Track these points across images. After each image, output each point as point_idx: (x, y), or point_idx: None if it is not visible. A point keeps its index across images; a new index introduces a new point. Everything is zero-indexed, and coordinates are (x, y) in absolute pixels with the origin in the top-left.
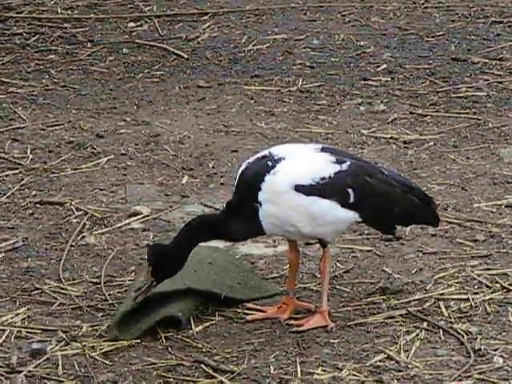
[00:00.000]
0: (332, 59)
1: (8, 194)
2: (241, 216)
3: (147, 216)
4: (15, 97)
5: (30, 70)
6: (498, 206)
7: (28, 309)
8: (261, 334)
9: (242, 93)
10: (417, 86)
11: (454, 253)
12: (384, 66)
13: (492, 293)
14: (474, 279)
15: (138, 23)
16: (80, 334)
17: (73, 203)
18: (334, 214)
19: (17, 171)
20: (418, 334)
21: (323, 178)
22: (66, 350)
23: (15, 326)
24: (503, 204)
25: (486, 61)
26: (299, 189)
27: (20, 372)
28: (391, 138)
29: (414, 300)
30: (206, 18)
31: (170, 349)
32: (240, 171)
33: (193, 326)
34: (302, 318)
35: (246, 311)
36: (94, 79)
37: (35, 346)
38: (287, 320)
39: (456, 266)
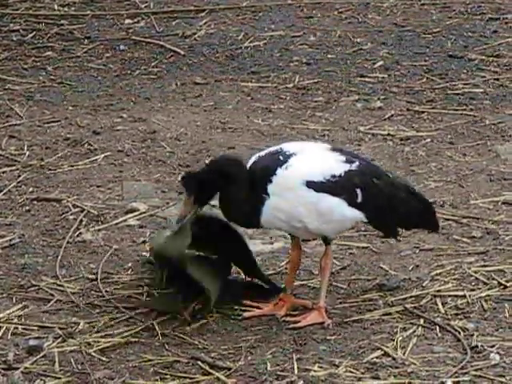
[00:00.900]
0: (329, 56)
1: (5, 191)
2: (245, 203)
3: (144, 213)
4: (12, 93)
5: (27, 66)
6: (494, 202)
7: (25, 305)
8: (257, 330)
9: (238, 89)
10: (413, 82)
11: (450, 249)
12: (381, 62)
13: (489, 289)
14: (471, 276)
15: (135, 20)
16: (77, 330)
17: (69, 200)
18: (341, 212)
19: (13, 168)
20: (414, 331)
21: (334, 176)
22: (62, 346)
23: (12, 323)
24: (500, 201)
25: (483, 57)
26: (310, 185)
27: (17, 369)
28: (388, 134)
29: (411, 297)
30: (202, 14)
31: (166, 345)
32: (250, 164)
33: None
34: (298, 314)
35: (242, 308)
36: (91, 76)
37: (32, 342)
38: (284, 317)
39: (453, 263)
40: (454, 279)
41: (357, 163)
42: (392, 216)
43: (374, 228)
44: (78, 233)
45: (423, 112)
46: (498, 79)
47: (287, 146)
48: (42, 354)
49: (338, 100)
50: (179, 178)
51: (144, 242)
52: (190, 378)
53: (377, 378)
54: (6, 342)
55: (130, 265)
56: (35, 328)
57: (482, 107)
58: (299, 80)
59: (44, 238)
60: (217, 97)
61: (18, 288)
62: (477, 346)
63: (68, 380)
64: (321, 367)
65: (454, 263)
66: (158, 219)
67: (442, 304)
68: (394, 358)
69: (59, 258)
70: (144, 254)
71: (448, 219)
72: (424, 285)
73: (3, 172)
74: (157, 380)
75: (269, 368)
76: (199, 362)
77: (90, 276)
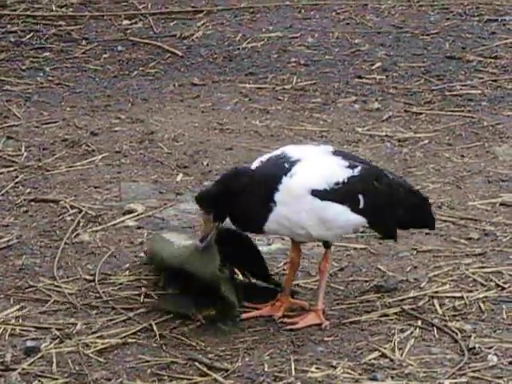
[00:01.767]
0: (327, 57)
1: (2, 192)
2: (255, 211)
3: (141, 214)
4: (10, 94)
5: (25, 67)
6: (492, 204)
7: (22, 306)
8: (255, 331)
9: (236, 91)
10: (411, 84)
11: (448, 251)
12: (378, 64)
13: (486, 291)
14: (469, 277)
15: (133, 21)
16: (74, 331)
17: (67, 201)
18: (344, 218)
19: (11, 169)
20: (412, 332)
21: (337, 183)
22: (60, 347)
23: (9, 324)
24: (498, 202)
25: (481, 59)
26: (315, 193)
27: (14, 370)
28: (386, 136)
29: (409, 298)
30: (200, 15)
31: (164, 346)
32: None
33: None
34: (296, 315)
35: (240, 309)
36: (89, 77)
37: (29, 343)
38: (281, 318)
39: (450, 264)
40: (452, 280)
41: (359, 168)
42: (392, 218)
43: (374, 231)
44: (75, 234)
45: (421, 113)
46: (495, 81)
47: (289, 151)
48: (39, 355)
49: (335, 101)
50: (194, 198)
51: (142, 242)
52: (188, 379)
53: (374, 379)
54: (4, 343)
55: (127, 266)
56: (33, 329)
57: (480, 109)
58: (297, 81)
59: (42, 239)
60: (214, 98)
61: (15, 289)
62: (474, 348)
63: (65, 381)
64: (318, 368)
65: (452, 264)
66: (156, 220)
67: (440, 305)
68: (391, 360)
69: (57, 258)
70: (142, 255)
71: (446, 220)
72: (422, 286)
73: (1, 173)
74: (154, 381)
75: (266, 369)
76: (197, 363)
77: (88, 277)
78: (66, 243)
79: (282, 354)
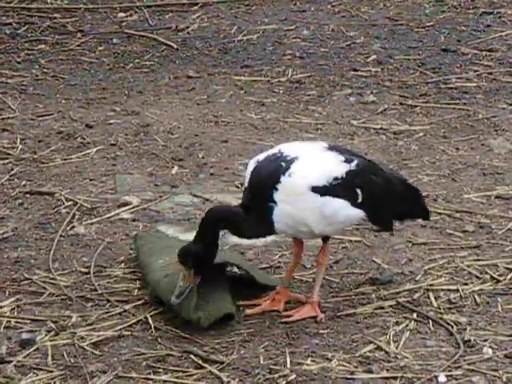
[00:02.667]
0: (322, 50)
1: None
2: (254, 215)
3: (137, 206)
4: (5, 87)
5: (20, 60)
6: (487, 196)
7: (17, 299)
8: (250, 324)
9: (231, 83)
10: (407, 76)
11: (443, 243)
12: (374, 56)
13: (481, 284)
14: (464, 270)
15: (128, 13)
16: (69, 323)
17: (62, 193)
18: (345, 213)
19: (6, 161)
20: (407, 325)
21: (336, 179)
22: (55, 339)
23: (4, 316)
24: (493, 195)
25: (476, 52)
26: (315, 190)
27: (9, 362)
28: (381, 128)
29: (404, 291)
30: (195, 8)
31: (159, 339)
32: (251, 170)
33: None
34: (292, 308)
35: (239, 302)
36: (84, 69)
37: (25, 335)
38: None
39: (446, 257)
40: (447, 273)
41: (355, 162)
42: (389, 211)
43: (371, 224)
44: (70, 226)
45: (416, 106)
46: (491, 73)
47: (285, 149)
48: (34, 348)
49: (331, 94)
50: (177, 255)
51: (137, 235)
52: (183, 372)
53: (369, 371)
54: None
55: (122, 258)
56: (28, 321)
57: (475, 101)
58: (292, 74)
59: (37, 232)
60: (210, 90)
61: (10, 281)
62: (469, 340)
63: (61, 373)
64: (313, 361)
65: (447, 257)
66: (151, 213)
67: (435, 298)
68: (386, 352)
69: (52, 251)
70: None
71: (441, 213)
72: (417, 279)
73: None
74: (149, 373)
75: (261, 362)
76: (192, 356)
77: (83, 269)
78: (61, 236)
79: (277, 347)
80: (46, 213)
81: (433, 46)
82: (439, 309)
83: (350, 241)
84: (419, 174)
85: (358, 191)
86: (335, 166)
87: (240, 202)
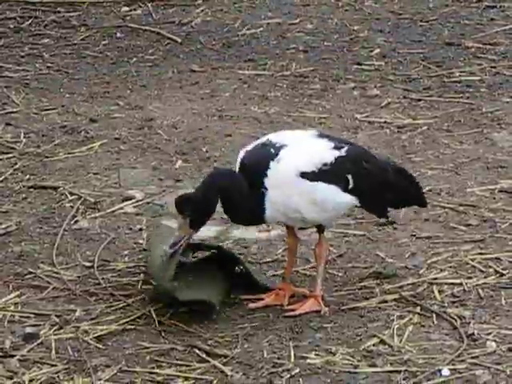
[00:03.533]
0: (325, 43)
1: (1, 179)
2: (246, 202)
3: (141, 200)
4: (9, 81)
5: (24, 54)
6: (491, 190)
7: (21, 293)
8: (254, 318)
9: (235, 77)
10: (410, 70)
11: (447, 237)
12: (377, 50)
13: (485, 277)
14: (467, 264)
15: (132, 7)
16: (73, 318)
17: (66, 187)
18: (335, 199)
19: (10, 155)
20: (411, 319)
21: (325, 164)
22: (59, 334)
23: (8, 310)
24: (496, 188)
25: (480, 45)
26: (304, 175)
27: (13, 356)
28: (385, 122)
29: (408, 284)
30: (199, 2)
31: (163, 333)
32: (240, 159)
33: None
34: (295, 302)
35: (242, 296)
36: (88, 63)
37: (28, 330)
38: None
39: (449, 251)
40: (451, 267)
41: (345, 148)
42: (382, 197)
43: (365, 210)
44: (74, 220)
45: (420, 100)
46: (494, 67)
47: (274, 137)
48: (38, 342)
49: (334, 88)
50: (174, 201)
51: (141, 229)
52: (187, 366)
53: (373, 365)
54: (3, 330)
55: (126, 252)
56: (32, 315)
57: (479, 95)
58: (296, 68)
59: (40, 226)
60: (213, 84)
61: (14, 275)
62: (473, 334)
63: (64, 367)
64: (317, 355)
65: (451, 251)
66: (155, 207)
67: (439, 292)
68: (390, 346)
69: (56, 245)
70: (141, 241)
71: (444, 207)
72: (420, 272)
73: (0, 159)
74: (153, 367)
75: (265, 356)
76: (196, 350)
77: (87, 263)
78: (65, 230)
79: (281, 341)
80: (49, 207)
81: (436, 40)
82: (443, 302)
83: (354, 235)
84: (423, 168)
85: (349, 177)
86: (324, 152)
87: None
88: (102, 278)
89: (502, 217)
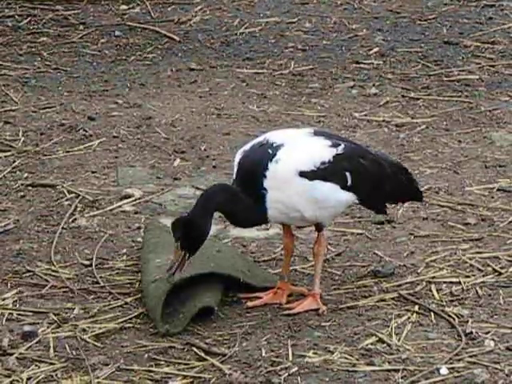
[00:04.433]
0: (324, 42)
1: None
2: (246, 203)
3: (139, 199)
4: (7, 79)
5: (22, 52)
6: (489, 189)
7: (19, 291)
8: (252, 316)
9: (234, 76)
10: (409, 69)
11: (445, 236)
12: (376, 49)
13: (483, 276)
14: (466, 262)
15: (130, 6)
16: (71, 316)
17: (64, 186)
18: (335, 197)
19: (8, 153)
20: (409, 317)
21: (323, 163)
22: (57, 332)
23: (6, 309)
24: (495, 187)
25: (478, 44)
26: (303, 174)
27: (11, 354)
28: (383, 121)
29: (406, 283)
30: (198, 0)
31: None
32: (238, 160)
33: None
34: (294, 301)
35: (240, 295)
36: (86, 62)
37: (26, 328)
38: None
39: (447, 250)
40: (449, 266)
41: (342, 146)
42: (379, 193)
43: (364, 207)
44: (72, 218)
45: (418, 99)
46: (493, 66)
47: (271, 137)
48: (36, 340)
49: (333, 86)
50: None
51: (139, 227)
52: (185, 364)
53: (371, 364)
54: (1, 328)
55: (124, 251)
56: (30, 314)
57: (478, 94)
58: (294, 66)
59: (39, 224)
60: (212, 83)
61: (12, 274)
62: (471, 333)
63: (62, 365)
64: (315, 353)
65: (449, 250)
66: (153, 205)
67: (437, 290)
68: (388, 345)
69: (54, 243)
70: (139, 240)
71: (443, 206)
72: (419, 271)
73: None
74: (151, 366)
75: (263, 354)
76: (194, 348)
77: (85, 262)
78: (63, 228)
79: (279, 339)
80: (47, 205)
81: (435, 39)
82: (441, 301)
83: (352, 233)
84: (421, 167)
85: (347, 174)
86: (322, 151)
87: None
88: (100, 277)
89: (500, 216)
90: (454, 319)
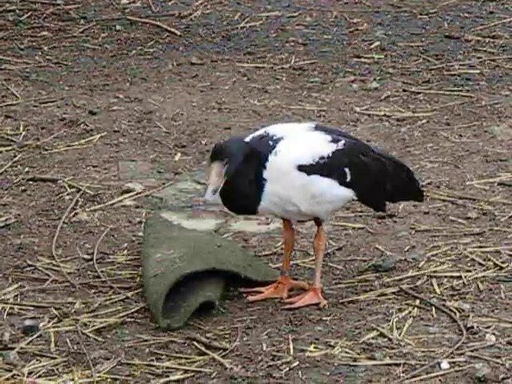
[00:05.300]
0: (325, 36)
1: (0, 171)
2: (249, 188)
3: (140, 193)
4: (8, 73)
5: (23, 46)
6: (490, 183)
7: (20, 286)
8: (253, 311)
9: (234, 70)
10: (410, 63)
11: (446, 230)
12: (377, 43)
13: (484, 270)
14: (467, 257)
15: (131, 0)
16: (72, 310)
17: (65, 180)
18: (332, 192)
19: (9, 148)
20: (410, 312)
21: (322, 158)
22: (58, 326)
23: (7, 303)
24: (496, 181)
25: (479, 38)
26: (301, 168)
27: (12, 349)
28: (384, 115)
29: (407, 277)
30: None
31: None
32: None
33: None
34: (294, 295)
35: (241, 289)
36: (87, 56)
37: (28, 322)
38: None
39: (448, 244)
40: (450, 260)
41: (343, 141)
42: (380, 190)
43: (363, 204)
44: (73, 213)
45: (419, 93)
46: (494, 60)
47: (272, 130)
48: (37, 334)
49: (334, 81)
50: (214, 145)
51: (140, 222)
52: (186, 359)
53: (372, 358)
54: (2, 322)
55: (126, 245)
56: (31, 308)
57: (478, 88)
58: (295, 60)
59: (40, 218)
60: (213, 77)
61: (13, 268)
62: (472, 327)
63: (64, 360)
64: (316, 348)
65: (450, 244)
66: (154, 199)
67: (438, 285)
68: (389, 339)
69: (55, 238)
70: (140, 234)
71: (444, 200)
72: (420, 266)
73: None
74: (152, 360)
75: (264, 348)
76: (195, 343)
77: (86, 256)
78: (64, 222)
79: (280, 334)
80: (48, 200)
81: (436, 33)
82: (442, 295)
83: (353, 228)
84: (422, 161)
85: (347, 170)
86: (321, 145)
87: None
88: (102, 271)
89: (501, 210)
90: (454, 313)
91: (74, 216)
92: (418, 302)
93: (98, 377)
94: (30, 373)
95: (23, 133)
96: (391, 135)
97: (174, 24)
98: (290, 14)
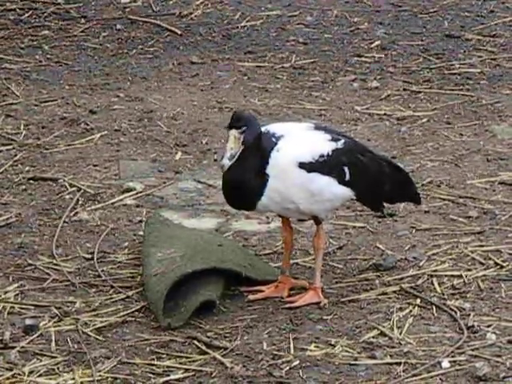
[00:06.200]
0: (325, 36)
1: (1, 170)
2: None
3: (140, 192)
4: (8, 72)
5: (24, 45)
6: (491, 182)
7: (21, 285)
8: (254, 310)
9: (235, 69)
10: (410, 62)
11: (447, 229)
12: (377, 42)
13: (485, 269)
14: (467, 256)
15: None
16: (73, 309)
17: (66, 179)
18: (331, 190)
19: (10, 147)
20: (411, 311)
21: (322, 156)
22: (59, 325)
23: (8, 302)
24: (496, 181)
25: (480, 37)
26: (301, 166)
27: (13, 348)
28: (385, 114)
29: (407, 276)
30: None
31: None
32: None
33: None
34: (295, 294)
35: (242, 289)
36: (88, 55)
37: (28, 321)
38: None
39: (449, 243)
40: (451, 259)
41: (342, 141)
42: (378, 191)
43: (361, 203)
44: (74, 212)
45: (420, 92)
46: (494, 59)
47: (273, 128)
48: (38, 334)
49: (334, 80)
50: (233, 113)
51: (140, 221)
52: (186, 358)
53: (373, 357)
54: (3, 321)
55: (126, 244)
56: (31, 307)
57: (479, 87)
58: (296, 60)
59: (40, 218)
60: (213, 76)
61: (14, 267)
62: (473, 326)
63: (64, 359)
64: (317, 347)
65: (451, 243)
66: (155, 198)
67: (439, 284)
68: (390, 338)
69: (55, 237)
70: (141, 233)
71: (444, 199)
72: (420, 265)
73: (0, 151)
74: (153, 359)
75: (265, 348)
76: (195, 342)
77: (87, 255)
78: (64, 222)
79: (280, 333)
80: (49, 199)
81: (436, 32)
82: (443, 294)
83: (354, 227)
84: (422, 160)
85: (346, 169)
86: (321, 144)
87: None
88: (102, 270)
89: (502, 209)
90: (455, 312)
91: (74, 215)
92: (418, 301)
93: (99, 376)
94: (30, 372)
95: (24, 132)
96: (392, 134)
97: (175, 23)
98: (291, 13)
